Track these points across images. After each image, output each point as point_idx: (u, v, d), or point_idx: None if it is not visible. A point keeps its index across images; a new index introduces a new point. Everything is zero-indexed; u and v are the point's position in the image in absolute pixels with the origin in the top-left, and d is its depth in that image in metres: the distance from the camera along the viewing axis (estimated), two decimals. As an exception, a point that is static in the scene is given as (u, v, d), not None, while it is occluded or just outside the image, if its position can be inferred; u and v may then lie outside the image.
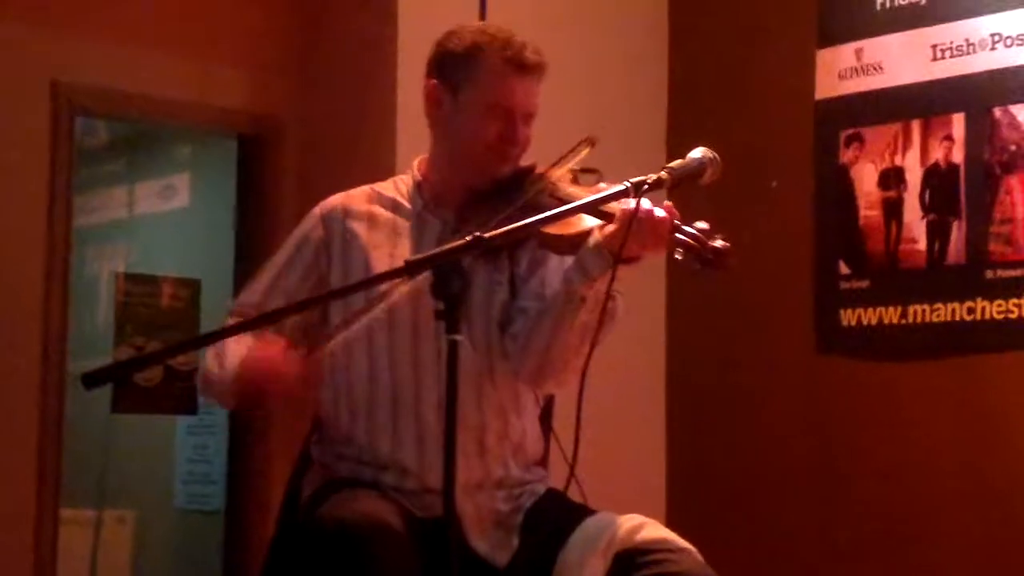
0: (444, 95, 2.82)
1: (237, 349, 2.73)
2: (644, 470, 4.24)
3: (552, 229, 2.63)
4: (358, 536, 2.49)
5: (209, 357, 2.80)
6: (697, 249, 2.57)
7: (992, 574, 3.66)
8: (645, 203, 2.54)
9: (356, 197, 2.90)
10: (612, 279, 2.56)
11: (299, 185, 4.04)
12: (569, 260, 2.71)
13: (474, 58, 2.78)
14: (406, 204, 2.87)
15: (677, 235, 2.58)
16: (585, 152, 2.75)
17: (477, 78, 2.77)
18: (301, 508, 2.81)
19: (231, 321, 2.84)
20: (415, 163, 2.94)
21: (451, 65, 2.81)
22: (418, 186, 2.88)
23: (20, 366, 3.79)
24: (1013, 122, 3.69)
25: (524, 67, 2.77)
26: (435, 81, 2.83)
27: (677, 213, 2.60)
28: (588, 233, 2.64)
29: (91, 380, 2.17)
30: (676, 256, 2.59)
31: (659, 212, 2.55)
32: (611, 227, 2.57)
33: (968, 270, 3.75)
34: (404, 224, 2.85)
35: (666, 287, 4.34)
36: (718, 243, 2.57)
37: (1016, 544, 3.60)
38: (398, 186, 2.91)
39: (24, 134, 3.87)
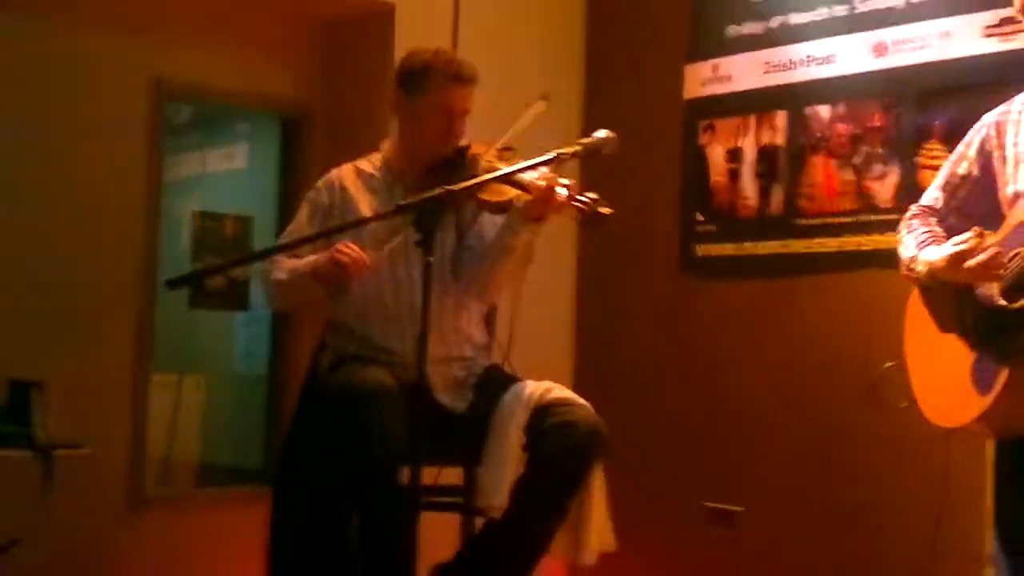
0: (404, 101, 2.83)
1: (297, 260, 2.76)
2: (557, 353, 4.27)
3: (486, 196, 2.66)
4: (364, 391, 2.52)
5: (274, 272, 2.81)
6: (587, 214, 2.60)
7: (790, 430, 3.67)
8: (541, 182, 2.57)
9: (345, 170, 2.93)
10: (526, 231, 2.61)
11: (324, 151, 4.03)
12: (499, 218, 2.74)
13: (425, 75, 2.78)
14: (378, 175, 2.89)
15: (573, 203, 2.60)
16: (542, 106, 2.73)
17: (428, 90, 2.78)
18: (319, 376, 2.84)
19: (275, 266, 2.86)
20: (383, 145, 2.95)
21: (409, 79, 2.82)
22: (386, 163, 2.90)
23: (125, 276, 3.78)
24: (818, 117, 3.70)
25: (461, 79, 2.79)
26: (399, 90, 2.84)
27: (575, 187, 2.62)
28: (511, 200, 2.68)
29: (173, 284, 2.19)
30: (573, 219, 2.62)
31: (559, 187, 2.59)
32: (527, 197, 2.61)
33: (784, 219, 3.76)
34: (378, 189, 2.87)
35: (576, 231, 4.34)
36: (604, 209, 2.60)
37: (804, 401, 3.64)
38: (372, 162, 2.93)
39: (129, 115, 3.82)
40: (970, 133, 2.44)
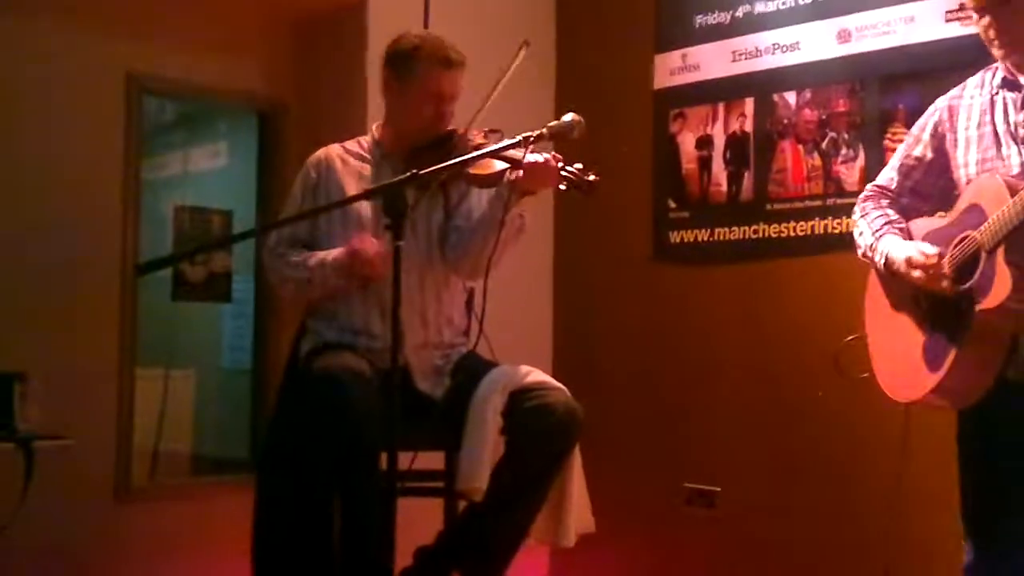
0: (394, 82, 2.79)
1: (311, 256, 2.72)
2: (536, 337, 4.23)
3: (475, 170, 2.62)
4: (340, 379, 2.48)
5: (290, 272, 2.75)
6: (576, 182, 2.57)
7: (765, 411, 3.66)
8: (539, 156, 2.54)
9: (332, 150, 2.88)
10: (516, 204, 2.57)
11: (300, 147, 3.96)
12: (487, 192, 2.70)
13: (414, 58, 2.74)
14: (367, 155, 2.84)
15: (562, 173, 2.57)
16: (523, 54, 2.68)
17: (416, 73, 2.74)
18: (300, 362, 2.80)
19: (273, 245, 2.82)
20: (373, 127, 2.91)
21: (398, 61, 2.77)
22: (376, 142, 2.85)
23: (107, 269, 3.70)
24: (786, 104, 3.68)
25: (450, 64, 2.74)
26: (388, 70, 2.79)
27: (561, 158, 2.59)
28: (501, 174, 2.64)
29: (141, 269, 2.14)
30: (562, 187, 2.59)
31: (547, 158, 2.55)
32: (516, 171, 2.57)
33: (755, 204, 3.73)
34: (367, 168, 2.82)
35: (554, 213, 4.30)
36: (591, 177, 2.58)
37: (780, 386, 3.62)
38: (361, 143, 2.88)
39: (106, 110, 3.75)
40: (924, 116, 2.49)
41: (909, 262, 2.29)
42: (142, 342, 3.84)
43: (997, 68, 2.35)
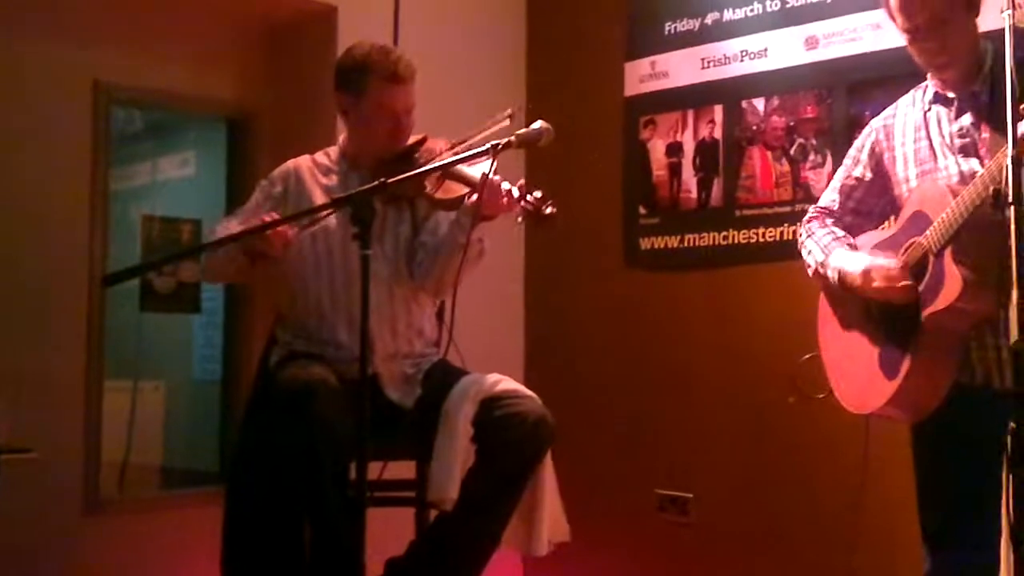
0: (347, 103, 2.76)
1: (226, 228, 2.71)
2: (508, 345, 4.23)
3: (437, 195, 2.62)
4: (305, 389, 2.46)
5: (208, 249, 2.74)
6: (533, 213, 2.55)
7: (737, 417, 3.67)
8: (502, 182, 2.52)
9: (301, 162, 2.86)
10: (474, 229, 2.55)
11: (270, 155, 3.94)
12: (452, 214, 2.69)
13: (361, 75, 2.71)
14: (334, 167, 2.83)
15: (520, 203, 2.56)
16: (505, 122, 2.66)
17: (367, 91, 2.71)
18: (269, 372, 2.77)
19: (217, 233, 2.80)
20: (340, 138, 2.89)
21: (346, 80, 2.75)
22: (343, 153, 2.84)
23: (74, 281, 3.68)
24: (754, 110, 3.69)
25: (399, 79, 2.71)
26: (340, 92, 2.77)
27: (523, 187, 2.57)
28: (461, 199, 2.63)
29: (108, 280, 2.11)
30: (519, 219, 2.56)
31: (506, 187, 2.54)
32: (475, 197, 2.56)
33: (724, 210, 3.74)
34: (334, 179, 2.81)
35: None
36: (548, 210, 2.56)
37: (753, 392, 3.62)
38: (328, 155, 2.87)
39: (73, 119, 3.72)
40: (860, 137, 2.56)
41: (867, 273, 2.30)
42: (110, 354, 3.80)
43: (927, 86, 2.42)
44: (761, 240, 3.62)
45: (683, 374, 3.81)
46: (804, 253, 2.54)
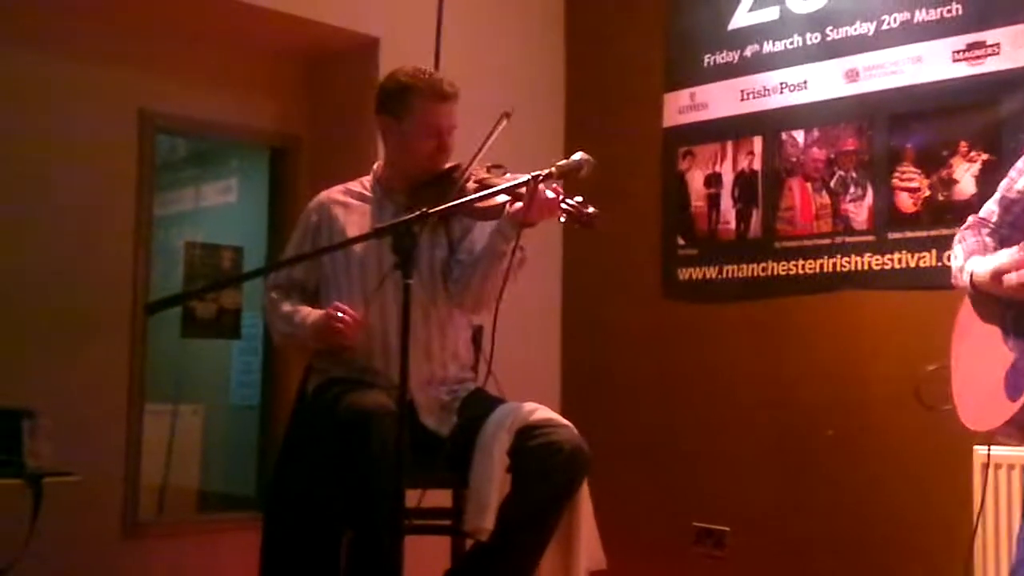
0: (391, 123, 2.79)
1: (298, 311, 2.75)
2: (545, 374, 4.24)
3: (478, 204, 2.61)
4: (367, 414, 2.46)
5: (278, 324, 2.79)
6: (576, 215, 2.56)
7: (775, 449, 3.65)
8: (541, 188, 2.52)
9: (333, 193, 2.89)
10: (519, 237, 2.56)
11: (311, 183, 3.99)
12: (489, 225, 2.69)
13: (406, 95, 2.74)
14: (369, 194, 2.85)
15: (562, 206, 2.56)
16: (504, 123, 2.68)
17: (412, 109, 2.73)
18: (307, 399, 2.79)
19: (271, 288, 2.85)
20: (375, 166, 2.92)
21: (392, 101, 2.78)
22: (377, 181, 2.86)
23: (117, 306, 3.73)
24: (794, 142, 3.69)
25: (445, 97, 2.74)
26: (383, 113, 2.80)
27: (562, 191, 2.58)
28: (503, 207, 2.63)
29: (151, 308, 2.13)
30: (562, 220, 2.58)
31: (548, 192, 2.54)
32: (518, 204, 2.57)
33: (763, 242, 3.74)
34: (368, 207, 2.83)
35: (562, 252, 4.31)
36: (591, 210, 2.57)
37: (791, 425, 3.61)
38: (363, 183, 2.89)
39: (119, 146, 3.79)
40: None
41: (996, 271, 2.18)
42: (151, 378, 3.85)
43: None
44: (800, 272, 3.61)
45: (720, 406, 3.80)
46: (952, 259, 2.42)
